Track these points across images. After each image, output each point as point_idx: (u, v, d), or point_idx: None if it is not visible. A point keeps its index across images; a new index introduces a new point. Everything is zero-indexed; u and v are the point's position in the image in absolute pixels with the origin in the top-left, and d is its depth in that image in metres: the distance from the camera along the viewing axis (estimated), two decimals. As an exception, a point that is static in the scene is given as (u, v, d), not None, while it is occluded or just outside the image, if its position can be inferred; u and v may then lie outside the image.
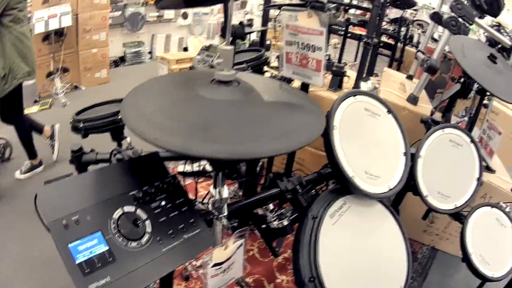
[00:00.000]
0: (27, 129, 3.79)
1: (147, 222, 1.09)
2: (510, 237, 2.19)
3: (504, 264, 2.11)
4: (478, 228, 2.10)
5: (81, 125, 1.90)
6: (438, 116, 3.08)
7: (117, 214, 1.07)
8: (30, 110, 5.23)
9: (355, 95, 1.68)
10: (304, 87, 1.95)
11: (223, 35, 2.14)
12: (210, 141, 0.97)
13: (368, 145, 1.66)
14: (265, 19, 3.56)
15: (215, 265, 1.42)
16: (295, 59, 1.80)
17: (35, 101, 5.63)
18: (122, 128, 2.02)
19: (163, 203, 1.15)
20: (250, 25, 4.77)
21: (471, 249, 2.03)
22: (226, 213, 1.34)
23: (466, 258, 2.03)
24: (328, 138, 1.52)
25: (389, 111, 1.77)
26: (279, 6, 3.40)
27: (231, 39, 1.13)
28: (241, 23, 2.08)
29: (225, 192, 1.27)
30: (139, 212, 1.10)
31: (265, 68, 2.70)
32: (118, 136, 2.05)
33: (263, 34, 3.56)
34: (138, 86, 1.29)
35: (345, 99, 1.64)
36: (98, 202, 1.08)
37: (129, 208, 1.10)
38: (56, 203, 1.07)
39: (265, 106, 1.23)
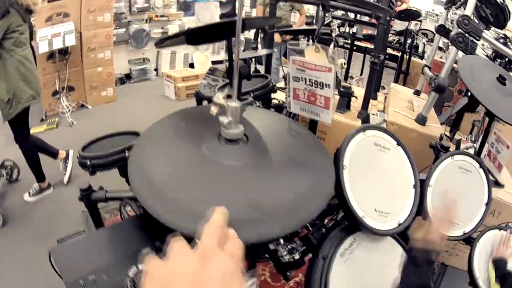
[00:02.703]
0: (33, 152, 3.80)
1: (162, 278, 1.07)
2: (519, 259, 2.16)
3: (512, 286, 2.09)
4: (486, 252, 2.08)
5: (88, 162, 1.89)
6: (446, 130, 3.05)
7: (132, 272, 1.05)
8: (37, 129, 5.24)
9: (364, 130, 1.66)
10: (313, 122, 1.92)
11: (230, 82, 2.06)
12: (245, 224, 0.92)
13: (378, 181, 1.64)
14: (270, 43, 3.51)
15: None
16: (303, 96, 1.77)
17: (42, 120, 5.65)
18: (130, 165, 1.98)
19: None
20: (255, 48, 4.72)
21: (478, 274, 2.01)
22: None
23: (473, 282, 2.02)
24: (338, 178, 1.49)
25: (398, 143, 1.75)
26: (285, 31, 3.39)
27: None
28: (245, 60, 2.02)
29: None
30: (153, 268, 1.08)
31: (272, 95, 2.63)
32: (126, 173, 2.00)
33: (268, 58, 3.49)
34: (141, 139, 1.28)
35: (354, 135, 1.62)
36: (113, 261, 1.06)
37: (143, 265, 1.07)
38: (71, 263, 1.06)
39: (275, 170, 1.21)
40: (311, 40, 3.49)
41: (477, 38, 2.87)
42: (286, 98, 1.87)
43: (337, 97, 3.10)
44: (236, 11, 1.05)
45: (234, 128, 1.12)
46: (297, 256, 1.69)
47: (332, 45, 2.95)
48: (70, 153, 4.29)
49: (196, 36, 1.65)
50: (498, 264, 1.97)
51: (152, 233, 1.16)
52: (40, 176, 3.89)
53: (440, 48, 6.09)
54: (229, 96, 1.13)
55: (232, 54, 1.65)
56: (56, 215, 3.69)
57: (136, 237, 1.15)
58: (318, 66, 1.63)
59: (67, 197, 3.97)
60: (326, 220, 1.91)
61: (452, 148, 2.56)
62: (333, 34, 5.11)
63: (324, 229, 1.74)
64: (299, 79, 1.72)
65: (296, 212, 1.05)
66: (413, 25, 6.80)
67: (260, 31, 4.62)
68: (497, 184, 2.88)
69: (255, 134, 1.29)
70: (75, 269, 1.03)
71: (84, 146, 2.10)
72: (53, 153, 4.14)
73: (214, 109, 1.11)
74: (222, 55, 9.35)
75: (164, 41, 1.54)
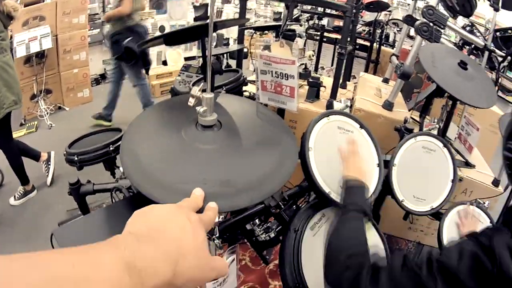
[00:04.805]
0: (17, 156, 3.84)
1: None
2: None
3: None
4: (455, 226, 2.20)
5: (76, 158, 2.00)
6: (416, 115, 3.19)
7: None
8: (18, 133, 5.27)
9: (328, 116, 1.81)
10: (281, 110, 2.06)
11: (203, 77, 2.25)
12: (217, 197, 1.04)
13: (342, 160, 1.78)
14: (241, 38, 3.62)
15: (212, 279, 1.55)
16: (270, 87, 1.91)
17: (21, 124, 5.68)
18: (115, 159, 2.11)
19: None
20: (227, 44, 4.85)
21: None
22: (218, 235, 1.46)
23: (443, 254, 2.15)
24: (304, 159, 1.64)
25: (361, 126, 1.89)
26: (254, 28, 3.51)
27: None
28: (217, 57, 2.15)
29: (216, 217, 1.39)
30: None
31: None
32: (111, 166, 2.14)
33: (239, 53, 3.59)
34: (130, 128, 1.42)
35: (318, 121, 1.77)
36: (110, 237, 1.19)
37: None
38: (73, 242, 1.15)
39: (246, 148, 1.37)
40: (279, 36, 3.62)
41: (442, 27, 3.00)
42: (256, 90, 2.01)
43: (307, 87, 3.26)
44: (209, 14, 1.20)
45: (209, 116, 1.29)
46: (272, 235, 1.82)
47: (296, 40, 3.10)
48: (51, 154, 4.35)
49: (173, 38, 1.79)
50: None
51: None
52: (24, 179, 3.95)
53: (411, 37, 6.21)
54: (204, 90, 1.29)
55: (206, 51, 1.80)
56: (42, 216, 3.78)
57: (131, 215, 1.29)
58: (283, 60, 1.78)
59: (51, 198, 4.03)
60: (299, 203, 2.06)
61: (417, 130, 2.69)
62: (303, 27, 5.26)
63: (295, 207, 1.88)
64: (266, 72, 1.86)
65: (261, 186, 1.20)
66: (383, 15, 6.90)
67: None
68: (468, 164, 3.01)
69: (228, 120, 1.45)
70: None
71: (70, 143, 2.21)
72: (35, 156, 4.20)
73: (191, 101, 1.27)
74: (195, 52, 9.38)
75: (145, 44, 1.69)
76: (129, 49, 4.85)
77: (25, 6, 5.52)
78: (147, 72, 5.83)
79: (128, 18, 5.05)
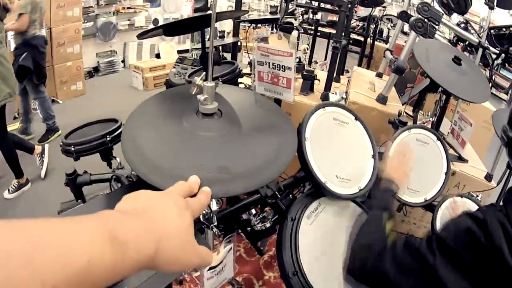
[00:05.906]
0: (11, 149, 3.85)
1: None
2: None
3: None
4: (448, 217, 2.22)
5: (72, 148, 2.01)
6: (409, 109, 3.22)
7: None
8: (11, 127, 5.19)
9: (324, 107, 1.83)
10: (277, 101, 2.09)
11: (200, 68, 2.29)
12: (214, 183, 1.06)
13: (339, 151, 1.80)
14: (236, 31, 3.66)
15: (210, 268, 1.58)
16: (267, 78, 1.94)
17: (15, 118, 5.66)
18: (111, 149, 2.13)
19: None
20: (222, 37, 4.87)
21: (440, 237, 2.18)
22: (215, 223, 1.48)
23: (436, 245, 2.19)
24: (300, 149, 1.66)
25: (356, 118, 1.92)
26: (250, 21, 3.53)
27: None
28: (216, 48, 2.18)
29: (214, 205, 1.41)
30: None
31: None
32: (107, 156, 2.15)
33: (234, 45, 3.62)
34: (132, 116, 1.43)
35: (315, 111, 1.79)
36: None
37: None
38: None
39: (245, 136, 1.38)
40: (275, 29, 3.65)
41: (436, 23, 3.03)
42: (252, 82, 2.04)
43: (301, 80, 3.28)
44: (209, 5, 1.22)
45: (209, 104, 1.31)
46: (268, 224, 1.86)
47: (293, 33, 3.15)
48: (45, 147, 4.36)
49: (174, 29, 1.81)
50: None
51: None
52: (18, 172, 3.96)
53: (405, 33, 6.23)
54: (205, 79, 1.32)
55: (205, 42, 1.83)
56: (36, 209, 3.79)
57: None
58: (280, 52, 1.81)
59: (45, 190, 4.05)
60: (294, 193, 2.09)
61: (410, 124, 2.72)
62: (297, 22, 5.29)
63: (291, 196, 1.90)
64: (263, 63, 1.89)
65: (257, 174, 1.22)
66: (377, 11, 6.91)
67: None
68: (461, 159, 3.02)
69: (228, 109, 1.47)
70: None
71: (66, 134, 2.22)
72: (30, 149, 4.20)
73: (193, 89, 1.30)
74: (188, 45, 9.43)
75: (146, 34, 1.70)
76: (22, 67, 4.77)
77: (20, -1, 5.46)
78: (44, 84, 5.69)
79: (25, 32, 4.87)
